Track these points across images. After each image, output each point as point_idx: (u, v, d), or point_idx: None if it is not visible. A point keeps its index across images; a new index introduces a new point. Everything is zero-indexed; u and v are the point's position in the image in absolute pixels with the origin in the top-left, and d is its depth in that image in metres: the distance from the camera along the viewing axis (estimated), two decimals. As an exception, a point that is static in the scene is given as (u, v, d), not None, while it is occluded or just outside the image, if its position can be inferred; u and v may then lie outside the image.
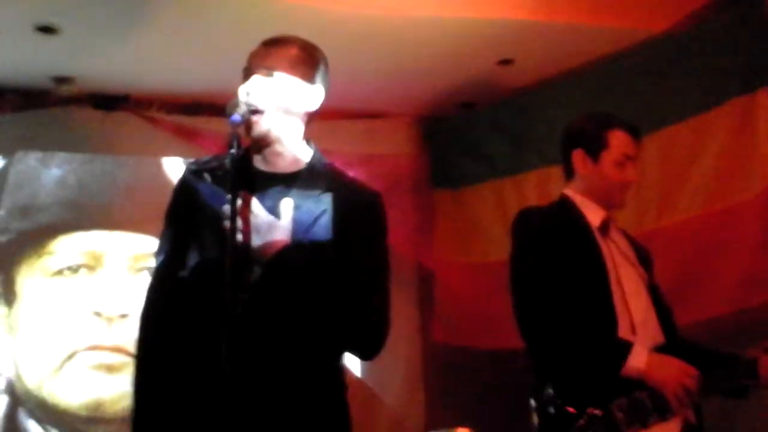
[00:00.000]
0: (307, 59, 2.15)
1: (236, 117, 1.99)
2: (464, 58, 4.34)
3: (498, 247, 4.21)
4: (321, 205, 2.07)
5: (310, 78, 2.14)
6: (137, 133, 4.66)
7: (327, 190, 2.10)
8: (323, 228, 2.05)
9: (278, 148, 2.11)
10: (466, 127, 4.97)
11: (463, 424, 3.78)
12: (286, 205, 2.03)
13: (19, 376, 4.32)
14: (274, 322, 1.97)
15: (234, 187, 1.93)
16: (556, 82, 4.52)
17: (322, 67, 2.18)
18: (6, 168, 4.50)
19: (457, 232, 4.90)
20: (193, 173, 2.16)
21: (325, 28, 3.87)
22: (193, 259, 2.07)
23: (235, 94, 2.09)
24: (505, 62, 4.44)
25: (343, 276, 2.02)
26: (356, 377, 4.71)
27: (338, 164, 4.81)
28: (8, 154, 4.52)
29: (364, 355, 2.14)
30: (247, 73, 2.11)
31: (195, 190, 2.12)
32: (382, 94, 4.85)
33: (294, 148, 2.14)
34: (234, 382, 1.79)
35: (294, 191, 2.07)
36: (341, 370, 2.12)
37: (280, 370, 1.98)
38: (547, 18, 3.90)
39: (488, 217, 4.70)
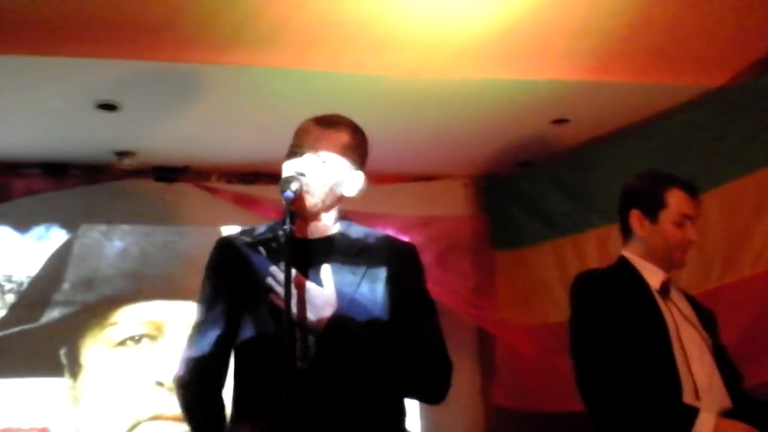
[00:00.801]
0: (357, 146, 2.22)
1: (289, 193, 2.05)
2: (519, 118, 4.35)
3: (559, 307, 4.13)
4: (359, 270, 2.13)
5: (357, 163, 2.21)
6: (197, 203, 4.76)
7: (361, 250, 2.17)
8: (366, 291, 2.11)
9: (316, 223, 2.19)
10: (524, 186, 4.95)
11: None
12: (326, 272, 2.08)
13: (82, 448, 4.39)
14: (338, 388, 2.00)
15: (289, 264, 1.97)
16: (613, 139, 4.47)
17: (365, 153, 2.25)
18: (71, 241, 4.65)
19: (517, 293, 4.84)
20: (248, 245, 2.20)
21: (381, 93, 3.95)
22: (248, 331, 2.10)
23: (286, 168, 2.16)
24: (561, 121, 4.42)
25: (398, 329, 2.07)
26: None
27: (396, 227, 4.88)
28: (73, 227, 4.66)
29: (434, 399, 2.13)
30: (298, 149, 2.16)
31: (249, 262, 2.16)
32: (439, 156, 4.88)
33: (329, 221, 2.21)
34: None
35: (331, 258, 2.13)
36: (404, 416, 2.15)
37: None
38: (601, 77, 3.88)
39: (549, 276, 4.63)
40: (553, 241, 4.71)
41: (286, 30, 3.43)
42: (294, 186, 2.06)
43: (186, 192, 4.78)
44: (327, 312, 2.01)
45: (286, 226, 2.00)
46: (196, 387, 2.13)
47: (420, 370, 2.07)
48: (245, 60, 3.63)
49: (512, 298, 4.85)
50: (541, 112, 4.30)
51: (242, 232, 2.29)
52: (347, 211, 4.27)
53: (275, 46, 3.55)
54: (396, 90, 3.94)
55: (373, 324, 2.06)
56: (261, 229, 2.25)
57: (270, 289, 2.03)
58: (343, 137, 2.18)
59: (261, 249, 2.16)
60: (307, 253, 2.12)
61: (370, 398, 2.04)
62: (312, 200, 2.12)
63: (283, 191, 2.06)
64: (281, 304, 1.97)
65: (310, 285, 2.04)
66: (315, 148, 2.13)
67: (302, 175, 2.10)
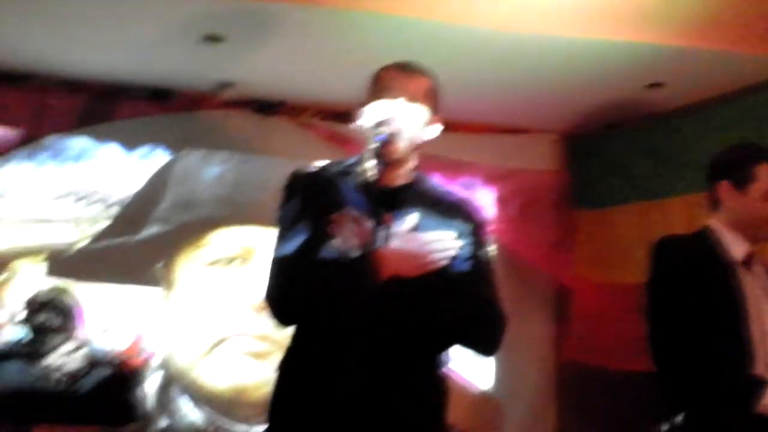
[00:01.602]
0: (436, 92, 2.28)
1: (383, 136, 2.12)
2: (613, 79, 4.34)
3: (639, 269, 4.18)
4: (437, 218, 2.20)
5: (436, 111, 2.27)
6: (291, 137, 4.90)
7: (437, 200, 2.24)
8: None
9: (400, 169, 2.23)
10: (612, 147, 4.95)
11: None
12: (412, 219, 2.16)
13: (172, 356, 4.65)
14: (391, 333, 2.10)
15: (377, 203, 2.08)
16: (707, 107, 4.45)
17: (439, 100, 2.30)
18: (172, 163, 4.89)
19: (597, 252, 4.88)
20: (340, 173, 2.25)
21: (473, 45, 4.00)
22: (329, 253, 2.13)
23: (375, 112, 2.20)
24: (655, 86, 4.41)
25: (461, 283, 2.15)
26: (480, 391, 4.80)
27: (482, 176, 4.94)
28: (175, 150, 4.90)
29: (488, 352, 2.24)
30: (386, 94, 2.19)
31: (339, 189, 2.21)
32: (529, 111, 4.89)
33: (409, 168, 2.26)
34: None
35: (413, 205, 2.19)
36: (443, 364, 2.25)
37: (396, 366, 2.11)
38: (699, 44, 3.86)
39: (630, 238, 4.64)
40: (638, 204, 4.72)
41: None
42: (387, 129, 2.12)
43: (281, 126, 4.92)
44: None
45: (375, 165, 2.05)
46: (284, 288, 2.13)
47: (477, 324, 2.16)
48: (343, 3, 3.72)
49: (591, 257, 4.89)
50: (635, 74, 4.28)
51: (331, 164, 2.32)
52: (436, 157, 4.37)
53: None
54: (488, 42, 3.96)
55: (441, 273, 2.12)
56: (351, 160, 2.28)
57: (330, 222, 2.11)
58: (426, 83, 2.23)
59: (350, 178, 2.20)
60: (391, 199, 2.16)
61: (417, 346, 2.12)
62: (402, 145, 2.16)
63: (376, 135, 2.11)
64: (342, 239, 2.08)
65: (399, 231, 2.12)
66: (403, 94, 2.17)
67: (393, 119, 2.15)
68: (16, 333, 4.38)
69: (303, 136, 4.95)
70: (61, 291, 3.25)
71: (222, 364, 4.66)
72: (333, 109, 4.95)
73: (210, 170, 4.89)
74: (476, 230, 2.25)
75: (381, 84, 2.23)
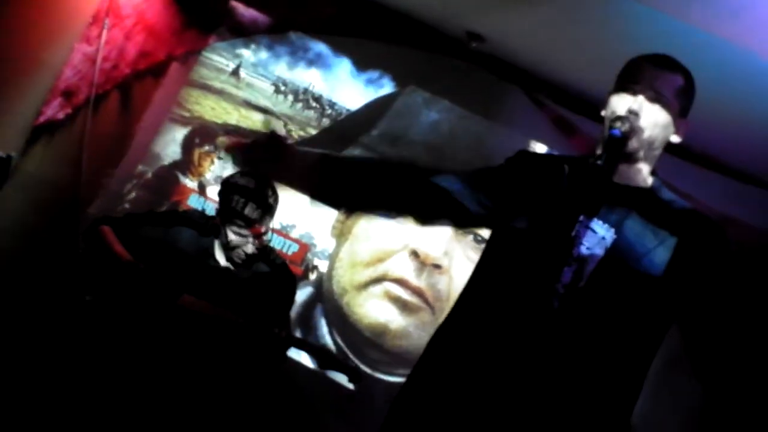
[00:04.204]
0: (689, 91, 2.11)
1: (617, 132, 2.00)
2: None
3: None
4: (661, 234, 2.05)
5: (685, 111, 2.11)
6: (518, 109, 4.76)
7: (668, 215, 2.07)
8: (658, 260, 2.01)
9: (629, 168, 2.10)
10: None
11: None
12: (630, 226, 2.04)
13: (329, 277, 4.72)
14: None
15: (587, 200, 1.98)
16: None
17: (693, 100, 2.14)
18: (395, 96, 4.91)
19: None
20: (569, 162, 2.15)
21: (747, 72, 3.64)
22: (521, 222, 2.08)
23: (616, 104, 2.08)
24: None
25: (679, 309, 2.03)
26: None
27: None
28: (402, 85, 4.92)
29: None
30: (632, 86, 2.07)
31: (559, 174, 2.12)
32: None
33: (644, 173, 2.12)
34: None
35: (636, 211, 2.06)
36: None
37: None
38: None
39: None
40: None
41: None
42: (624, 126, 2.00)
43: (513, 94, 4.78)
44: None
45: (599, 161, 1.98)
46: None
47: None
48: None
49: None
50: None
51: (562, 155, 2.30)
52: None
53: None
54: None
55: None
56: (569, 156, 2.22)
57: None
58: (679, 80, 2.08)
59: (566, 167, 2.12)
60: (610, 196, 2.04)
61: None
62: (635, 144, 2.05)
63: (611, 128, 2.01)
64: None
65: (601, 231, 2.04)
66: (650, 89, 2.04)
67: (635, 115, 2.03)
68: (200, 203, 4.60)
69: (531, 112, 4.80)
70: (268, 186, 3.30)
71: (372, 301, 4.67)
72: (570, 95, 4.73)
73: (429, 115, 4.88)
74: (708, 259, 2.05)
75: (627, 76, 2.11)
